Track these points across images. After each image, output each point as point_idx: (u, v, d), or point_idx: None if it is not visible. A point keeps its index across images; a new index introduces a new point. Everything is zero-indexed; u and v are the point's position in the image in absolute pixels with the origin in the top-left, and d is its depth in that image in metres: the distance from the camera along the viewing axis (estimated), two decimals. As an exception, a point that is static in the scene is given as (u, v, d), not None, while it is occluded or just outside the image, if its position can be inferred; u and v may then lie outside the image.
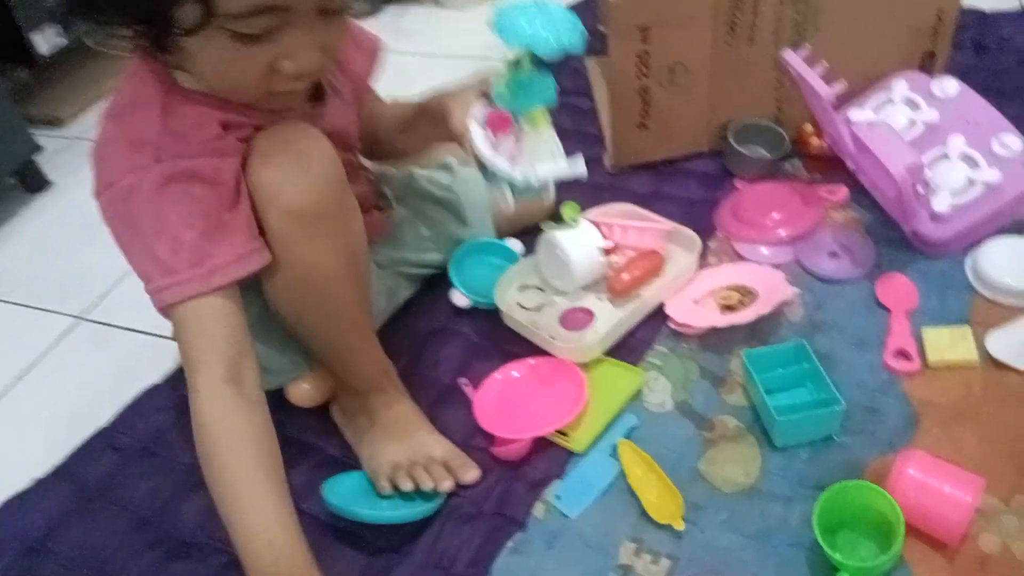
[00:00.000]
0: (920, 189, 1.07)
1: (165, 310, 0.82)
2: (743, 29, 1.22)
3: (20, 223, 1.56)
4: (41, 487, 1.02)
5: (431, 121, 1.00)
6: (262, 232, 0.84)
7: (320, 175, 0.85)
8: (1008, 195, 1.08)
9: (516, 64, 0.84)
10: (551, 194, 0.90)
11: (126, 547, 0.94)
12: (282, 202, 0.83)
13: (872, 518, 0.82)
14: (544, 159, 0.88)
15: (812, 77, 1.09)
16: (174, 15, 0.74)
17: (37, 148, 1.59)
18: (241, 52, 0.77)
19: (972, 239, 1.10)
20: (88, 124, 1.72)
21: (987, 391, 0.95)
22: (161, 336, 1.20)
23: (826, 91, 1.07)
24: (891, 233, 1.15)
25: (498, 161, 0.87)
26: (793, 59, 1.12)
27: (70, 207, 1.55)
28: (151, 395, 1.11)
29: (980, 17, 1.53)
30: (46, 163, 1.63)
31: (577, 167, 0.88)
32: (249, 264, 0.83)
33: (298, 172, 0.83)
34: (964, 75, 1.20)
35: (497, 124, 0.88)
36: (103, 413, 1.10)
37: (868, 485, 0.82)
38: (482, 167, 0.89)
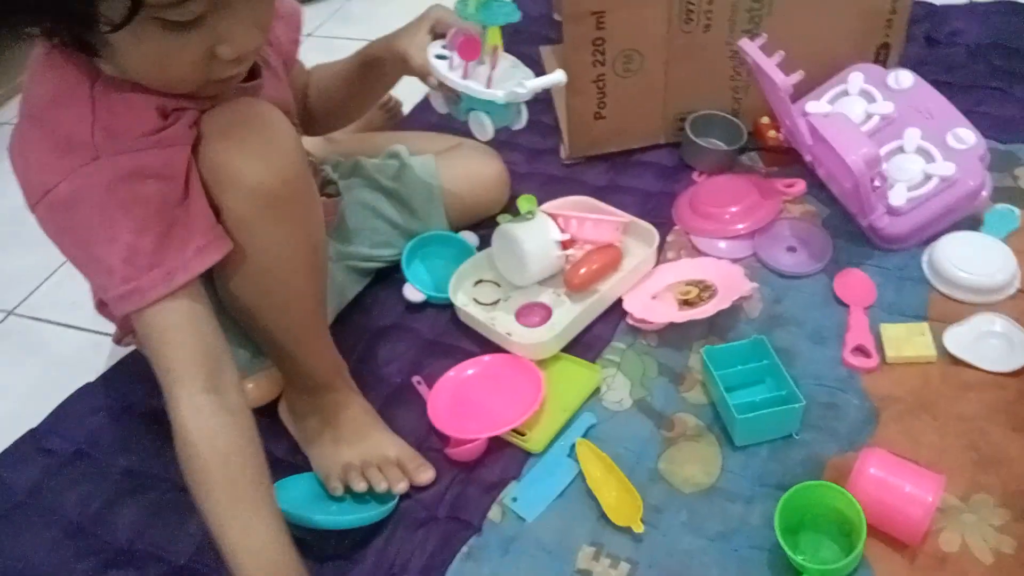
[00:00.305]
0: (877, 182, 1.07)
1: (127, 317, 0.77)
2: (698, 16, 1.20)
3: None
4: (-36, 494, 0.95)
5: (376, 70, 0.97)
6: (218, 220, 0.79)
7: (285, 153, 0.80)
8: (963, 189, 1.08)
9: None
10: (524, 120, 0.90)
11: (56, 556, 0.88)
12: (246, 183, 0.77)
13: (834, 518, 0.81)
14: (519, 76, 0.87)
15: (769, 66, 1.08)
16: (98, 10, 0.67)
17: (-38, 133, 1.50)
18: (175, 42, 0.72)
19: (928, 234, 1.10)
20: (11, 112, 1.63)
21: (945, 387, 0.95)
22: (96, 332, 1.14)
23: (783, 80, 1.06)
24: (848, 227, 1.15)
25: (474, 87, 0.85)
26: (750, 48, 1.11)
27: (-2, 197, 1.47)
28: (84, 395, 1.05)
29: (930, 10, 1.54)
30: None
31: (556, 75, 0.88)
32: (211, 255, 0.77)
33: (262, 151, 0.78)
34: (916, 68, 1.21)
35: (467, 50, 0.86)
36: (33, 414, 1.03)
37: (829, 485, 0.81)
38: (451, 101, 0.89)
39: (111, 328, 1.01)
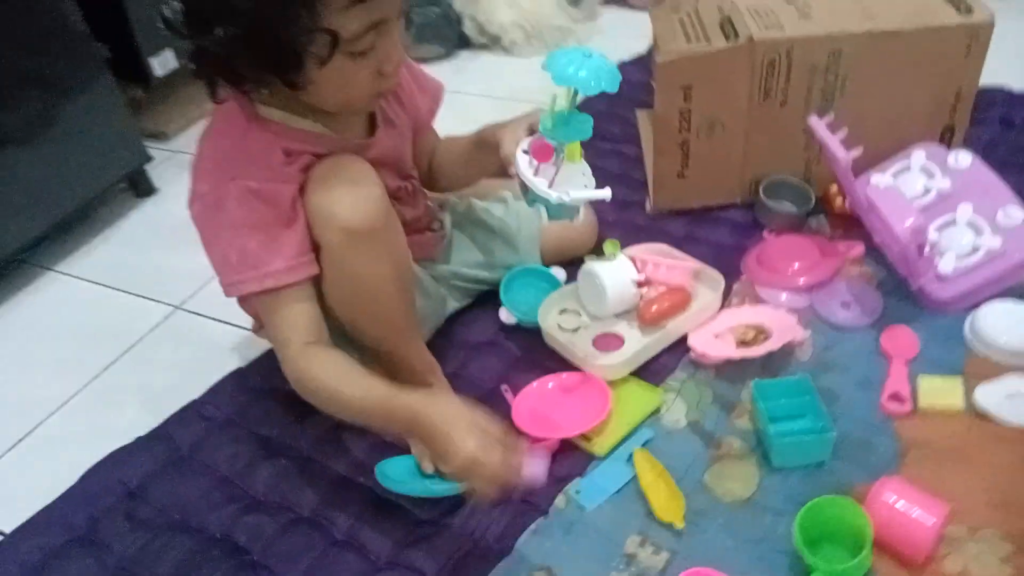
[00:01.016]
0: (925, 250, 1.19)
1: (242, 300, 1.04)
2: (776, 94, 1.35)
3: (130, 223, 1.75)
4: (141, 444, 1.19)
5: (485, 150, 1.14)
6: (318, 249, 1.00)
7: (367, 198, 1.00)
8: (1008, 262, 1.19)
9: (570, 98, 0.98)
10: (580, 218, 1.05)
11: (208, 500, 1.10)
12: (337, 221, 0.99)
13: (849, 532, 0.93)
14: (577, 185, 1.02)
15: (832, 142, 1.21)
16: (307, 53, 0.90)
17: (148, 158, 1.79)
18: (355, 67, 0.94)
19: (973, 300, 1.20)
20: (189, 139, 1.92)
21: (970, 436, 1.05)
22: (245, 328, 1.36)
23: (844, 156, 1.19)
24: (900, 289, 1.26)
25: (538, 184, 1.01)
26: (817, 125, 1.24)
27: (172, 212, 1.72)
28: (237, 376, 1.28)
29: (1008, 95, 1.64)
30: (152, 172, 1.82)
31: (603, 192, 1.02)
32: (297, 273, 0.99)
33: (349, 196, 0.99)
34: (988, 148, 1.32)
35: (540, 153, 1.02)
36: (194, 388, 1.26)
37: (843, 499, 0.93)
38: (524, 189, 1.04)
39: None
